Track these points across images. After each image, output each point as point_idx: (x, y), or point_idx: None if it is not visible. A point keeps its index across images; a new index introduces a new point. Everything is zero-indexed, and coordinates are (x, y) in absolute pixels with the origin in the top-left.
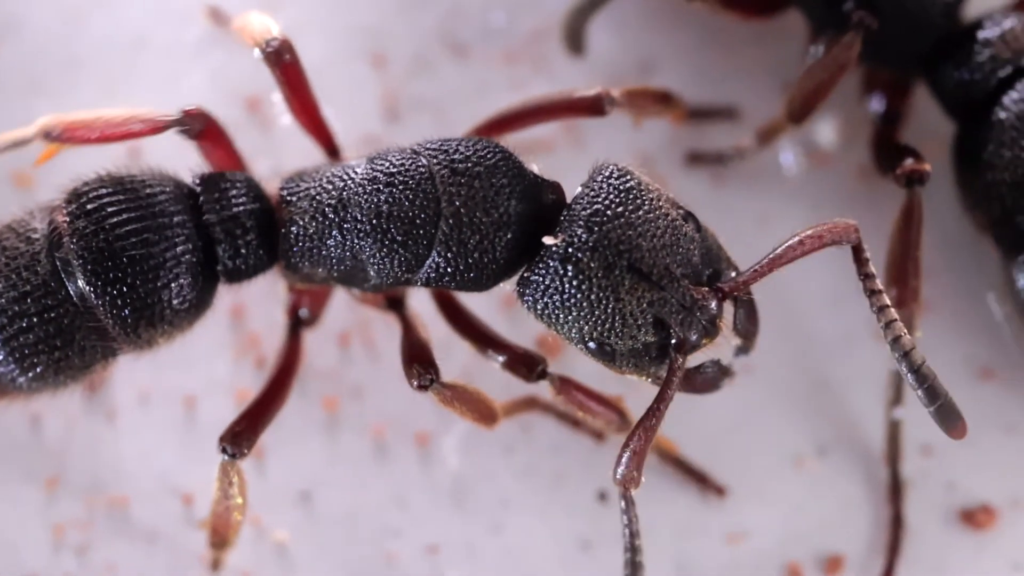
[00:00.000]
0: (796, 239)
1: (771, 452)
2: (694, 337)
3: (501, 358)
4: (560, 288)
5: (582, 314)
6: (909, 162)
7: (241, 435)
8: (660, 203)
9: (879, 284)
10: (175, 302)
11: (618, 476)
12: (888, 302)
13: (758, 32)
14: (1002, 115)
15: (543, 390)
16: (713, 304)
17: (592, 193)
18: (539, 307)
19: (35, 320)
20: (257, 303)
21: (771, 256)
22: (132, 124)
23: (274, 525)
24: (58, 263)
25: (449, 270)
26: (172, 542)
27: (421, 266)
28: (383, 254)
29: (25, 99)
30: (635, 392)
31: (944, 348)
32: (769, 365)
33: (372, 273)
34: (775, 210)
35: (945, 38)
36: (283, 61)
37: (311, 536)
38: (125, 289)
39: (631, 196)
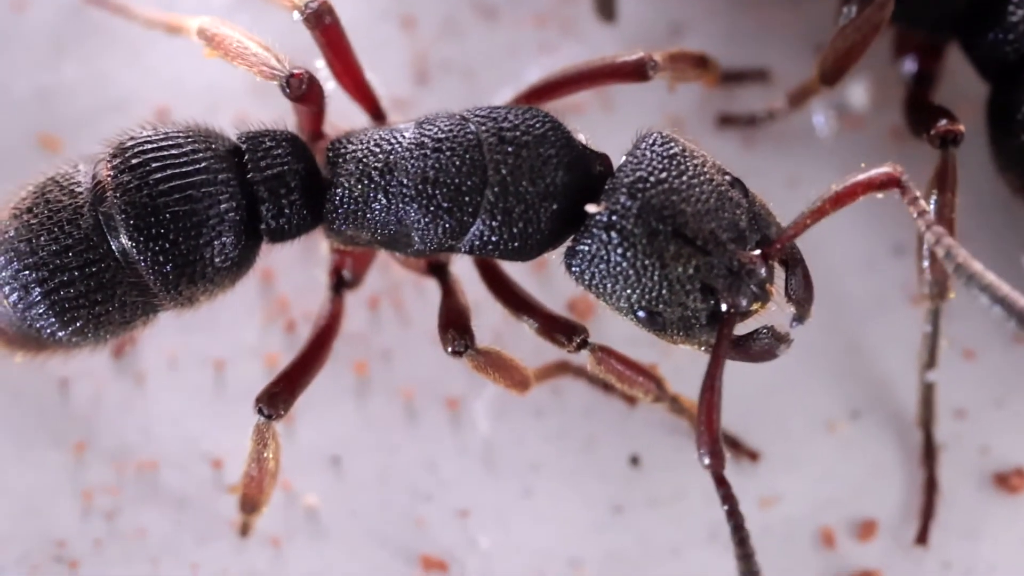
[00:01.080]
0: (839, 187)
1: (803, 416)
2: (743, 302)
3: (542, 327)
4: (605, 256)
5: (629, 282)
6: (943, 123)
7: (278, 396)
8: (705, 169)
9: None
10: (217, 260)
11: (705, 463)
12: (934, 221)
13: None
14: None
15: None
16: (762, 268)
17: (635, 160)
18: (586, 277)
19: (76, 274)
20: (287, 267)
21: (814, 207)
22: (254, 64)
23: (304, 489)
24: (101, 217)
25: (493, 238)
26: (201, 507)
27: (465, 233)
28: (428, 220)
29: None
30: (668, 359)
31: (977, 311)
32: (801, 329)
33: (416, 238)
34: (806, 172)
35: None
36: (323, 23)
37: (341, 500)
38: (168, 245)
39: (675, 162)
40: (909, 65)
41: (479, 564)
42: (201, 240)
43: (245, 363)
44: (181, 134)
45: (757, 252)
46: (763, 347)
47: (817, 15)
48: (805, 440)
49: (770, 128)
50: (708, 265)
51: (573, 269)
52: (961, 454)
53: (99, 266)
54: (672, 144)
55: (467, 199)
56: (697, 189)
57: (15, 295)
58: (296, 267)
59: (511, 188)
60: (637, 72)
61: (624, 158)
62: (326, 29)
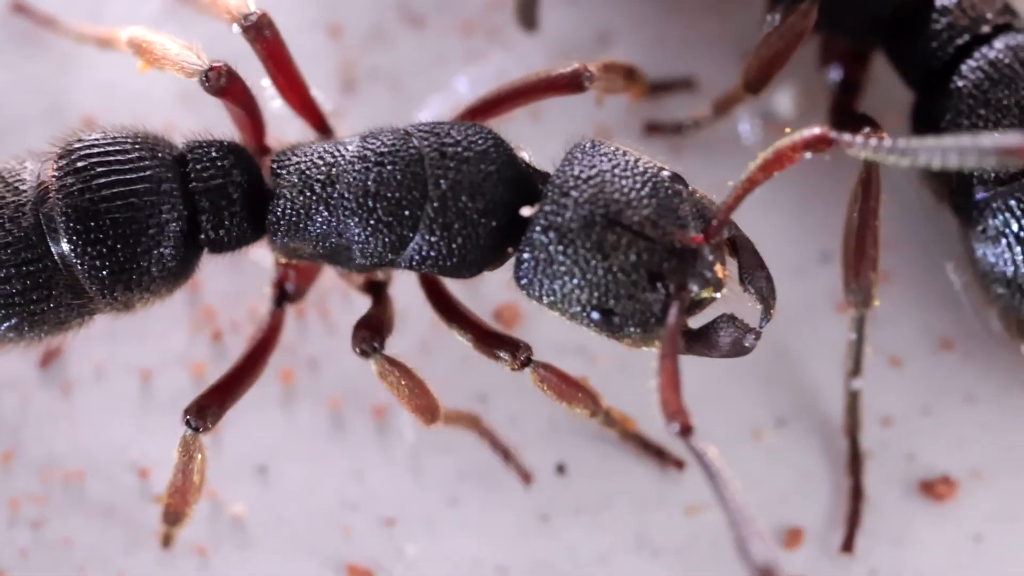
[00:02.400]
0: (769, 153)
1: (729, 424)
2: (692, 284)
3: (484, 345)
4: (548, 259)
5: (575, 281)
6: (866, 131)
7: (207, 409)
8: (639, 162)
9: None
10: (154, 269)
11: (673, 429)
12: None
13: (716, 1)
14: (960, 84)
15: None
16: (707, 251)
17: (567, 163)
18: (535, 286)
19: (13, 271)
20: (214, 276)
21: (746, 176)
22: (173, 67)
23: (231, 498)
24: (42, 218)
25: (432, 254)
26: (128, 516)
27: (405, 248)
28: (368, 233)
29: None
30: (594, 366)
31: (903, 318)
32: None
33: (356, 252)
34: (733, 180)
35: (902, 6)
36: (263, 36)
37: (268, 509)
38: (105, 251)
39: (606, 157)
40: (834, 73)
41: (406, 572)
42: (139, 248)
43: (172, 372)
44: (129, 140)
45: (698, 234)
46: (730, 338)
47: (743, 23)
48: (731, 448)
49: (697, 136)
50: (649, 250)
51: (522, 282)
52: (887, 462)
53: (36, 266)
54: (602, 144)
55: (407, 213)
56: (630, 178)
57: None
58: (223, 276)
59: (451, 203)
60: (573, 84)
61: (556, 165)
62: (266, 41)
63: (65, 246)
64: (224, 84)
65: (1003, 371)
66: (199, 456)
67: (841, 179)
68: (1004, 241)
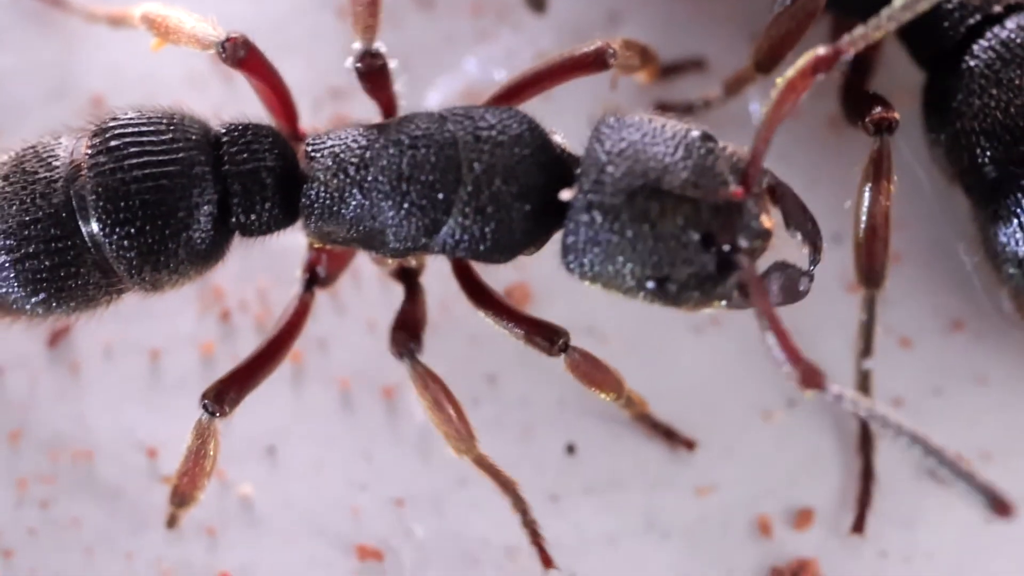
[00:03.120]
0: (782, 87)
1: (740, 405)
2: (743, 238)
3: (523, 332)
4: (595, 238)
5: (627, 256)
6: (878, 110)
7: (226, 393)
8: (666, 127)
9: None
10: (183, 251)
11: (811, 383)
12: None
13: None
14: (971, 63)
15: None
16: (751, 203)
17: (596, 141)
18: (586, 268)
19: (42, 247)
20: None
21: (768, 115)
22: (188, 39)
23: (239, 479)
24: (73, 195)
25: (466, 237)
26: (136, 496)
27: (438, 231)
28: (401, 216)
29: None
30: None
31: (914, 299)
32: (737, 317)
33: (390, 236)
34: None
35: None
36: (242, 59)
37: (276, 490)
38: (134, 232)
39: (633, 128)
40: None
41: (414, 553)
42: (169, 230)
43: (180, 352)
44: (164, 121)
45: (738, 188)
46: (785, 285)
47: (753, 3)
48: (741, 429)
49: (707, 116)
50: (696, 211)
51: (571, 266)
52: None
53: (65, 243)
54: (627, 116)
55: (441, 196)
56: (662, 144)
57: None
58: (232, 256)
59: (485, 187)
60: (597, 62)
61: (586, 144)
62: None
63: (95, 225)
64: (242, 56)
65: (1014, 352)
66: (213, 442)
67: (852, 160)
68: (1016, 221)
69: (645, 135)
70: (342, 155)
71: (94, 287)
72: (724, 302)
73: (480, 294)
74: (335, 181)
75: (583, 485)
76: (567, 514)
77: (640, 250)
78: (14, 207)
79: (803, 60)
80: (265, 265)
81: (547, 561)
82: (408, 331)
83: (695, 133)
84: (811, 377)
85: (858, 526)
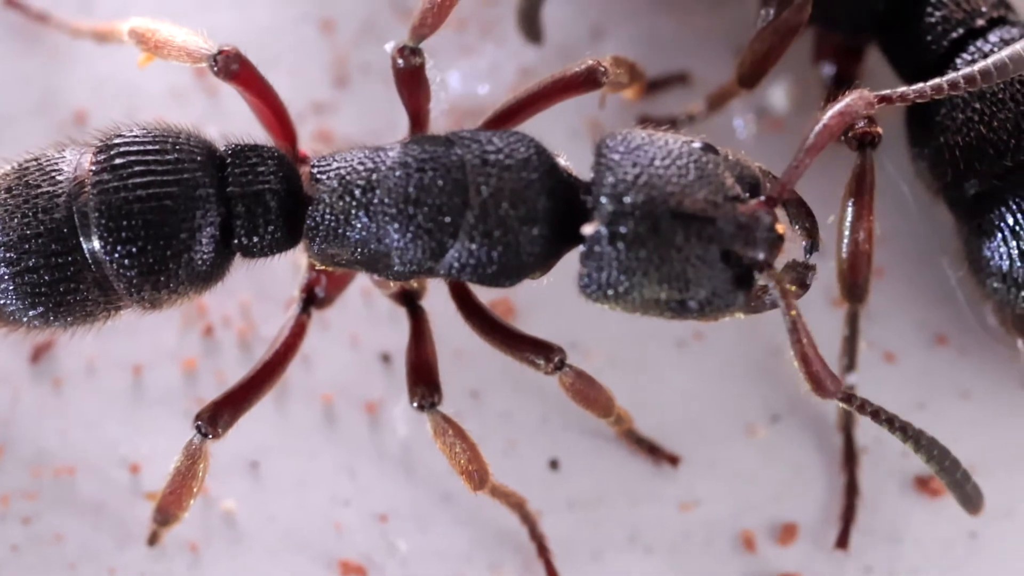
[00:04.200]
0: (821, 124)
1: (723, 420)
2: (762, 253)
3: (517, 351)
4: (621, 268)
5: (653, 281)
6: (860, 125)
7: (220, 416)
8: (671, 145)
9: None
10: (183, 272)
11: (828, 391)
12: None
13: None
14: None
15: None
16: (766, 215)
17: (605, 166)
18: (609, 296)
19: (42, 262)
20: None
21: (805, 147)
22: (179, 53)
23: (222, 495)
24: (75, 212)
25: (472, 261)
26: (119, 512)
27: (444, 255)
28: (407, 240)
29: None
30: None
31: (898, 313)
32: (721, 332)
33: (395, 259)
34: None
35: (896, 1)
36: (234, 72)
37: (260, 505)
38: (135, 251)
39: (642, 151)
40: (829, 67)
41: (398, 569)
42: (170, 251)
43: (163, 368)
44: (169, 140)
45: (756, 201)
46: (795, 282)
47: (737, 17)
48: (725, 444)
49: (690, 131)
50: (718, 232)
51: (592, 295)
52: (882, 458)
53: (65, 259)
54: (631, 136)
55: (447, 220)
56: (674, 167)
57: None
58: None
59: (492, 211)
60: (589, 81)
61: (593, 170)
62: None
63: (96, 243)
64: (235, 69)
65: (998, 366)
66: (202, 464)
67: (835, 175)
68: (999, 235)
69: (653, 157)
70: (348, 177)
71: (93, 303)
72: (744, 313)
73: (475, 313)
74: (341, 203)
75: (567, 500)
76: (551, 529)
77: (667, 274)
78: (15, 220)
79: (848, 102)
80: (248, 280)
81: (553, 574)
82: (426, 381)
83: (697, 146)
84: (831, 386)
85: (842, 541)
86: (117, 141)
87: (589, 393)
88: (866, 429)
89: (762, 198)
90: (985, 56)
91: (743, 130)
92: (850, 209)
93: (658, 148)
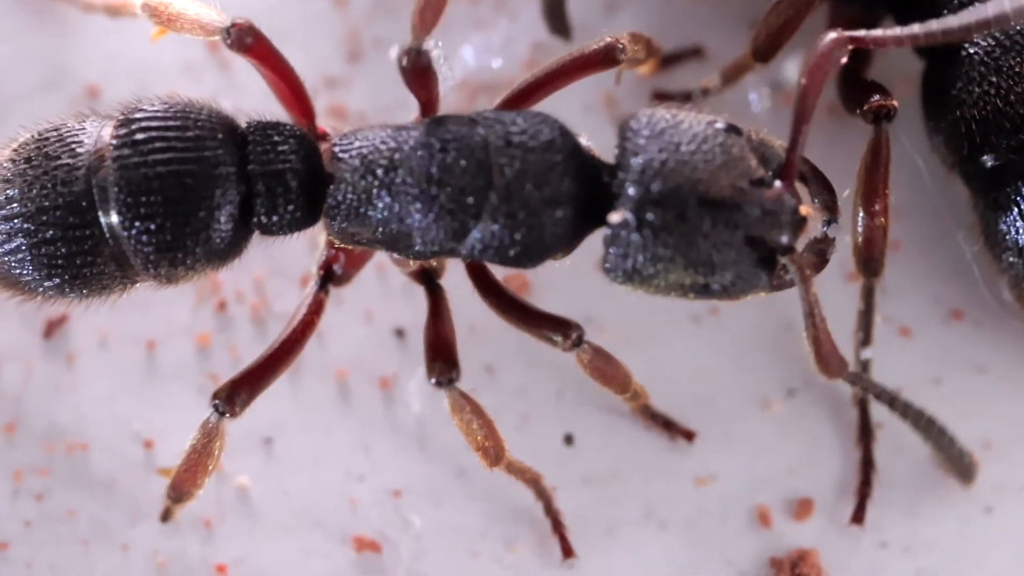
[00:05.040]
0: (804, 81)
1: (738, 395)
2: (787, 238)
3: (535, 327)
4: (648, 254)
5: (679, 268)
6: (876, 98)
7: (238, 394)
8: (698, 128)
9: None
10: (201, 249)
11: (834, 371)
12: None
13: None
14: (971, 51)
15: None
16: (790, 197)
17: (630, 150)
18: (633, 279)
19: (59, 234)
20: None
21: (797, 111)
22: (191, 25)
23: (236, 471)
24: (94, 186)
25: (495, 243)
26: (132, 488)
27: (467, 236)
28: (429, 220)
29: None
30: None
31: (913, 288)
32: (736, 308)
33: (417, 239)
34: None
35: None
36: (248, 45)
37: (273, 481)
38: (153, 227)
39: (668, 135)
40: None
41: (412, 544)
42: (189, 228)
43: (176, 343)
44: (191, 116)
45: (778, 184)
46: (814, 260)
47: None
48: (740, 419)
49: (705, 105)
50: (744, 218)
51: (616, 277)
52: (898, 432)
53: (83, 232)
54: (656, 119)
55: (470, 201)
56: (701, 152)
57: (2, 237)
58: None
59: (515, 192)
60: (608, 59)
61: (617, 152)
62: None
63: (115, 217)
64: (249, 42)
65: (1014, 341)
66: (219, 442)
67: (851, 149)
68: (1015, 210)
69: (679, 141)
70: (370, 156)
71: (109, 276)
72: (766, 291)
73: (492, 291)
74: (363, 183)
75: (581, 475)
76: (565, 504)
77: (693, 261)
78: (34, 191)
79: (822, 45)
80: (261, 256)
81: (568, 551)
82: (444, 358)
83: (721, 126)
84: (837, 367)
85: (858, 516)
86: (138, 115)
87: (607, 370)
88: (881, 405)
89: (780, 179)
90: (1002, 29)
91: (758, 104)
92: (866, 183)
93: (684, 131)
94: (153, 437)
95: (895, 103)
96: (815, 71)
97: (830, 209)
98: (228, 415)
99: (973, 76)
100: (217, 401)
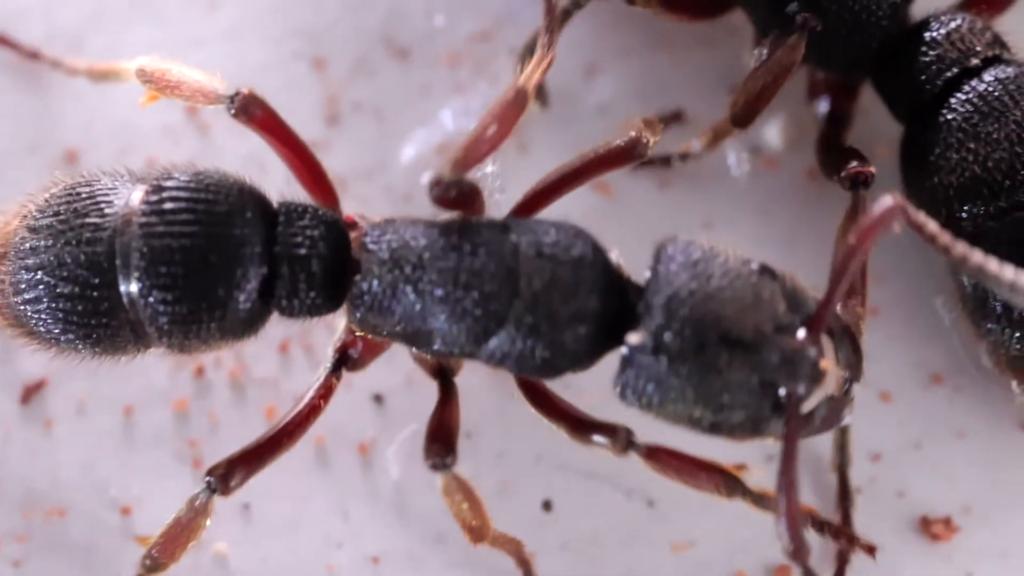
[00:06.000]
0: (851, 238)
1: (716, 459)
2: (802, 388)
3: (579, 433)
4: (659, 381)
5: (689, 400)
6: (853, 164)
7: (234, 473)
8: (731, 265)
9: (959, 247)
10: (215, 325)
11: (788, 554)
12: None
13: (704, 33)
14: (949, 116)
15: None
16: (813, 350)
17: (662, 276)
18: (643, 403)
19: (77, 291)
20: None
21: (836, 268)
22: (192, 94)
23: (214, 536)
24: (118, 250)
25: (514, 352)
26: (109, 554)
27: (487, 341)
28: (452, 321)
29: None
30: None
31: (893, 353)
32: None
33: (437, 339)
34: (722, 213)
35: (891, 39)
36: (254, 115)
37: (251, 547)
38: (171, 299)
39: (701, 267)
40: (823, 105)
41: None
42: (206, 304)
43: (154, 409)
44: (223, 191)
45: (803, 334)
46: (827, 417)
47: (731, 56)
48: None
49: (685, 169)
50: (762, 362)
51: (626, 398)
52: (877, 498)
53: (100, 293)
54: (692, 249)
55: (494, 308)
56: (731, 289)
57: (22, 286)
58: None
59: (541, 304)
60: (633, 154)
61: (648, 276)
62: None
63: (133, 285)
64: (255, 112)
65: (993, 406)
66: (204, 520)
67: (830, 213)
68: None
69: (711, 275)
70: (400, 251)
71: (123, 339)
72: (772, 439)
73: (543, 401)
74: (389, 277)
75: (560, 541)
76: (544, 570)
77: (703, 395)
78: (58, 244)
79: (879, 210)
80: None
81: None
82: (444, 442)
83: (755, 267)
84: (799, 553)
85: None
86: (169, 184)
87: (680, 467)
88: (860, 470)
89: (807, 329)
90: (981, 96)
91: (737, 168)
92: (844, 247)
93: (718, 267)
94: (131, 504)
95: (872, 170)
96: (867, 234)
97: (853, 370)
98: (219, 493)
99: (951, 142)
100: (211, 479)
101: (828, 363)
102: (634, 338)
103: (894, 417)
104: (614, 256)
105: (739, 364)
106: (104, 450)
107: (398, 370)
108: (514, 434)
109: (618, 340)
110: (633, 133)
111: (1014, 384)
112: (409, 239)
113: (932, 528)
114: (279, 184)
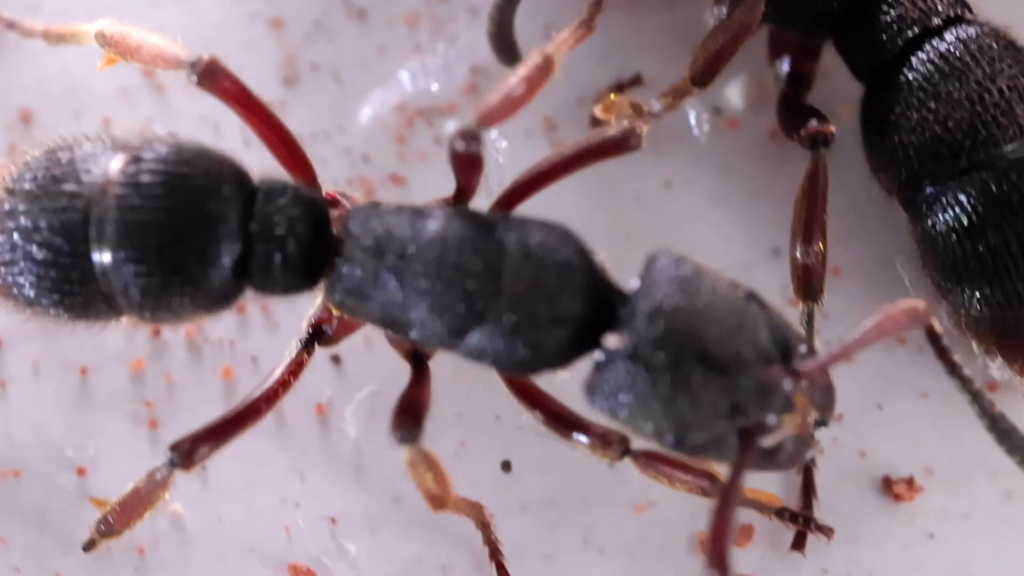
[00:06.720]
0: (870, 323)
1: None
2: (771, 419)
3: (582, 439)
4: (630, 388)
5: (656, 411)
6: (813, 123)
7: (198, 449)
8: (720, 287)
9: (966, 370)
10: (188, 299)
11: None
12: (982, 391)
13: None
14: (909, 76)
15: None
16: (788, 385)
17: (649, 287)
18: (611, 409)
19: (51, 257)
20: None
21: (846, 342)
22: (152, 58)
23: (170, 498)
24: (92, 219)
25: (491, 350)
26: (65, 516)
27: (467, 335)
28: (432, 314)
29: None
30: None
31: (853, 313)
32: None
33: (415, 329)
34: (682, 174)
35: None
36: (217, 80)
37: (208, 508)
38: (143, 271)
39: (690, 284)
40: (784, 66)
41: (348, 571)
42: (177, 278)
43: (110, 369)
44: (200, 165)
45: (781, 368)
46: (790, 455)
47: (692, 16)
48: None
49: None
50: (736, 387)
51: (595, 404)
52: (839, 459)
53: (74, 260)
54: (683, 266)
55: (476, 304)
56: (716, 310)
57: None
58: None
59: (523, 304)
60: (626, 146)
61: (636, 284)
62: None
63: (106, 256)
64: (217, 79)
65: None
66: (164, 494)
67: (790, 174)
68: (953, 236)
69: (700, 294)
70: (385, 240)
71: (95, 307)
72: (731, 463)
73: (537, 402)
74: (372, 264)
75: (519, 502)
76: (504, 531)
77: (671, 409)
78: (35, 209)
79: (909, 305)
80: None
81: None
82: (412, 416)
83: (742, 293)
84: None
85: (798, 543)
86: (148, 156)
87: (672, 473)
88: (823, 431)
89: (786, 368)
90: (942, 55)
91: (698, 128)
92: (803, 208)
93: (706, 286)
94: (86, 465)
95: (832, 129)
96: (881, 327)
97: (823, 412)
98: (180, 467)
99: (912, 102)
100: (174, 454)
101: (803, 400)
102: (612, 341)
103: (856, 378)
104: (599, 259)
105: (713, 385)
106: (59, 411)
107: (357, 331)
108: (473, 394)
109: (595, 344)
110: (627, 123)
111: (974, 345)
112: (395, 228)
113: (894, 488)
114: (236, 147)
